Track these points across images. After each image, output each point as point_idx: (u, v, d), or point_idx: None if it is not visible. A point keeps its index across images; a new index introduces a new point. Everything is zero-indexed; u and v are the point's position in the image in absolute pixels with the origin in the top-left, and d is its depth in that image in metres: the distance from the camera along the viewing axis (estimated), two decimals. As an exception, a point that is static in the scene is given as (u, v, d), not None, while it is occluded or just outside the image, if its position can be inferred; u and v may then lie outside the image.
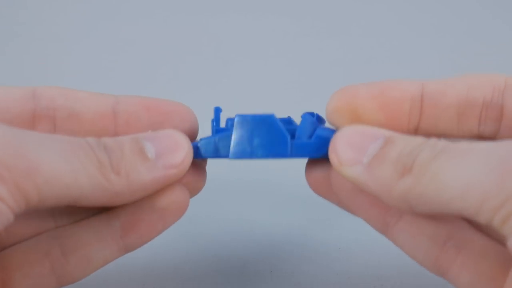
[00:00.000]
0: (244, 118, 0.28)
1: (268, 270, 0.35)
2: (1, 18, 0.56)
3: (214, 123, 0.30)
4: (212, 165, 0.34)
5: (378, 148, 0.25)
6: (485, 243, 0.26)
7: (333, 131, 0.27)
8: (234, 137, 0.28)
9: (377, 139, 0.25)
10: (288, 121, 0.31)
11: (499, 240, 0.26)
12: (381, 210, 0.26)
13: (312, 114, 0.32)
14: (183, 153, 0.27)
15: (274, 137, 0.28)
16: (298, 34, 0.56)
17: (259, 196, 0.33)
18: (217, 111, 0.30)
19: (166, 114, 0.29)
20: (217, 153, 0.29)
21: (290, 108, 0.32)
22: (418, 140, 0.24)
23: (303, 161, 0.30)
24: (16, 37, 0.55)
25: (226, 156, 0.29)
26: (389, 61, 0.53)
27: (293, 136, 0.30)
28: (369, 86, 0.27)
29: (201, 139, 0.29)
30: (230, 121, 0.30)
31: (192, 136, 0.29)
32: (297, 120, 0.31)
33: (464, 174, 0.22)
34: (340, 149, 0.25)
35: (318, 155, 0.28)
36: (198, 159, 0.29)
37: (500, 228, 0.21)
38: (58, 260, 0.28)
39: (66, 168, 0.23)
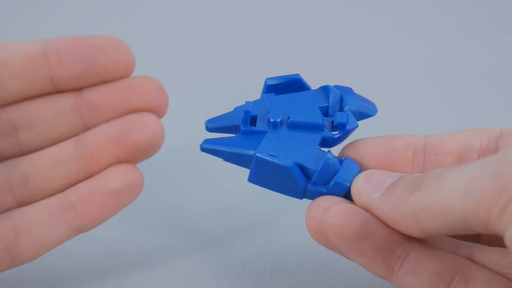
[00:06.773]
0: (262, 161, 0.28)
1: (268, 270, 0.35)
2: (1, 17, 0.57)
3: (242, 121, 0.30)
4: (214, 165, 0.34)
5: (395, 179, 0.27)
6: (492, 277, 0.27)
7: (354, 173, 0.28)
8: (252, 168, 0.29)
9: (394, 176, 0.27)
10: (323, 93, 0.31)
11: (503, 274, 0.27)
12: (386, 253, 0.26)
13: (338, 87, 0.32)
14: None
15: (289, 183, 0.28)
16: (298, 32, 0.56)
17: (259, 196, 0.33)
18: (247, 112, 0.30)
19: (98, 47, 0.29)
20: (236, 162, 0.30)
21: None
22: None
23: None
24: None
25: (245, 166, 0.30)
26: (389, 61, 0.53)
27: (326, 113, 0.30)
28: (376, 137, 0.30)
29: (224, 141, 0.30)
30: (238, 109, 0.30)
31: (128, 69, 0.29)
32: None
33: (464, 175, 0.23)
34: (362, 184, 0.27)
35: None
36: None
37: (499, 221, 0.22)
38: (11, 240, 0.28)
39: None
